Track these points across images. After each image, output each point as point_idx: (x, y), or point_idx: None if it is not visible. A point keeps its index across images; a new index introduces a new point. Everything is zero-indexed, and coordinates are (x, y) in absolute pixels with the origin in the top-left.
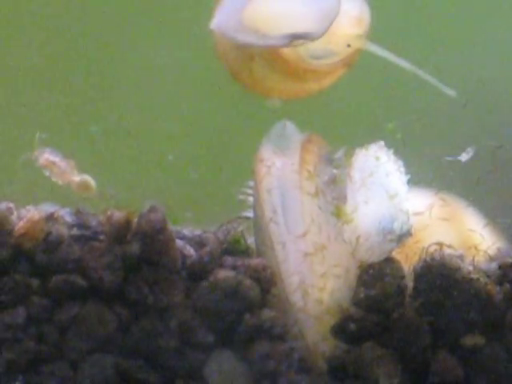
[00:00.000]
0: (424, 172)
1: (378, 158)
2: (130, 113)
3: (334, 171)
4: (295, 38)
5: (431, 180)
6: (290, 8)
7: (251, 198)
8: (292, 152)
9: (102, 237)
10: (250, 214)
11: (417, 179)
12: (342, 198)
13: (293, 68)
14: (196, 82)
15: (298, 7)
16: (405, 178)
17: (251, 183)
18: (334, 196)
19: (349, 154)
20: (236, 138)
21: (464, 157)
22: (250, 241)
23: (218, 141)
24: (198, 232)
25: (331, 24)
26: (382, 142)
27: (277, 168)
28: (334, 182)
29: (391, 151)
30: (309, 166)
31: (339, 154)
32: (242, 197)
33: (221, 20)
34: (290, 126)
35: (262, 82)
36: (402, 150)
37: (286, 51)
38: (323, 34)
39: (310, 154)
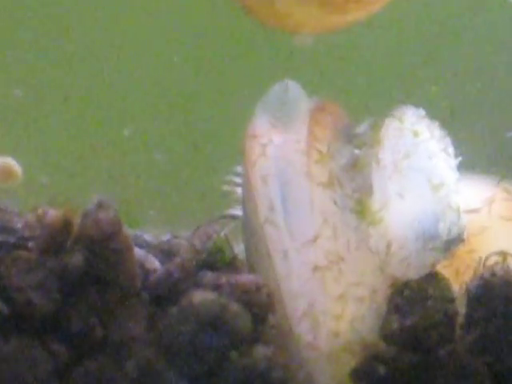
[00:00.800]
0: (480, 153)
1: (416, 134)
2: (69, 73)
3: (356, 152)
4: None
5: (490, 164)
6: None
7: (240, 190)
8: (297, 125)
9: (30, 244)
10: (237, 211)
11: (471, 163)
12: (366, 190)
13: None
14: (158, 40)
15: None
16: (454, 162)
17: (239, 169)
18: (355, 187)
19: (376, 128)
20: (217, 106)
21: None
22: (239, 249)
23: (191, 111)
24: (165, 237)
25: None
26: (421, 111)
27: (275, 147)
28: (355, 166)
29: (435, 124)
30: (320, 144)
31: (363, 127)
32: (226, 188)
33: None
34: (293, 88)
35: (286, 15)
36: (450, 122)
37: None
38: None
39: (322, 127)
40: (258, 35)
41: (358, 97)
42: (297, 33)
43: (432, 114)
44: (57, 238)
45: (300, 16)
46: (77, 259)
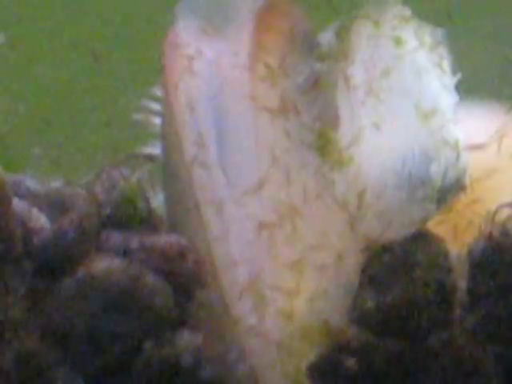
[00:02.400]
0: (487, 69)
1: (399, 42)
2: None
3: (318, 67)
4: None
5: (500, 83)
6: None
7: (157, 120)
8: (236, 30)
9: None
10: (155, 149)
11: (474, 82)
12: (330, 118)
13: None
14: None
15: None
16: (452, 80)
17: (157, 91)
18: (315, 114)
19: (344, 35)
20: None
21: None
22: (156, 200)
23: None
24: (55, 184)
25: None
26: (406, 10)
27: (206, 61)
28: (316, 86)
29: (426, 28)
30: (269, 55)
31: (327, 34)
32: (138, 117)
33: None
34: None
35: None
36: (446, 25)
37: None
38: None
39: (271, 32)
40: None
41: None
42: None
43: (420, 16)
44: None
45: None
46: None
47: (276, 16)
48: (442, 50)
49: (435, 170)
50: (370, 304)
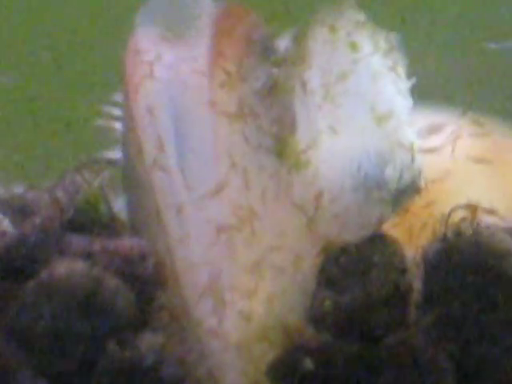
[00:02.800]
0: (442, 71)
1: (354, 47)
2: None
3: (275, 72)
4: None
5: (453, 86)
6: None
7: (118, 125)
8: (195, 36)
9: None
10: (116, 153)
11: (428, 85)
12: (288, 122)
13: None
14: None
15: None
16: (406, 84)
17: (118, 96)
18: (273, 118)
19: (301, 41)
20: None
21: None
22: (118, 204)
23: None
24: (18, 188)
25: None
26: (361, 15)
27: (166, 66)
28: (273, 91)
29: (381, 33)
30: (227, 61)
31: (284, 39)
32: (100, 122)
33: None
34: None
35: None
36: (400, 29)
37: None
38: None
39: (229, 38)
40: None
41: None
42: None
43: (376, 19)
44: None
45: None
46: None
47: (234, 22)
48: (397, 55)
49: (390, 172)
50: (327, 305)
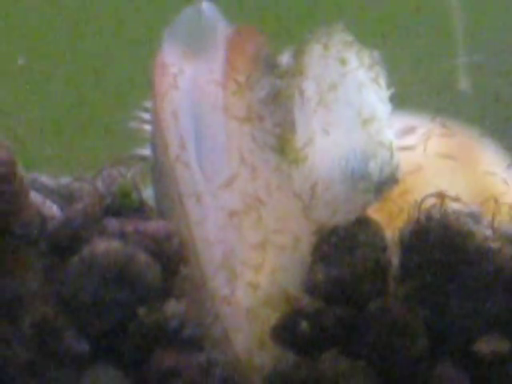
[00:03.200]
0: (416, 83)
1: (344, 62)
2: None
3: (278, 82)
4: None
5: (426, 95)
6: None
7: (148, 127)
8: (212, 53)
9: None
10: (146, 151)
11: (404, 94)
12: (288, 125)
13: None
14: None
15: None
16: (386, 93)
17: (148, 103)
18: (276, 121)
19: (299, 56)
20: (122, 27)
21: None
22: (147, 193)
23: (89, 32)
24: (65, 180)
25: None
26: (349, 36)
27: (187, 78)
28: (276, 98)
29: (365, 51)
30: (238, 74)
31: (285, 55)
32: (132, 124)
33: None
34: (208, 11)
35: None
36: (381, 45)
37: None
38: None
39: (239, 55)
40: None
41: (280, 21)
42: None
43: (359, 36)
44: None
45: None
46: None
47: (244, 41)
48: (379, 69)
49: (373, 166)
50: (320, 277)
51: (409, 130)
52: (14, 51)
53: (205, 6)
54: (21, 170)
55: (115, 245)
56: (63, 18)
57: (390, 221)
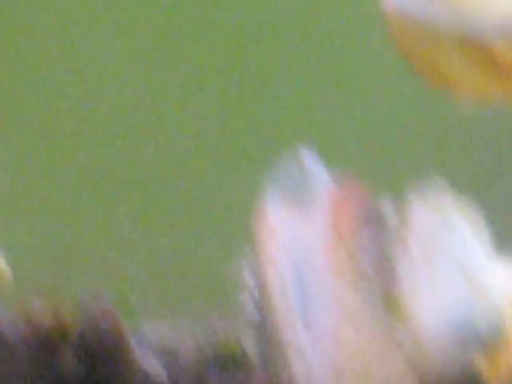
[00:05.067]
0: None
1: (446, 215)
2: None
3: (382, 237)
4: None
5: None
6: None
7: (250, 277)
8: (315, 207)
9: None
10: (248, 300)
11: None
12: (394, 281)
13: (506, 68)
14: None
15: None
16: (489, 243)
17: (250, 253)
18: (381, 278)
19: (402, 210)
20: (222, 178)
21: None
22: (249, 344)
23: (191, 182)
24: (166, 332)
25: None
26: (444, 185)
27: (290, 231)
28: (380, 255)
29: (465, 202)
30: (342, 228)
31: (387, 207)
32: (234, 273)
33: None
34: (310, 159)
35: (452, 78)
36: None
37: (501, 47)
38: None
39: (343, 209)
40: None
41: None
42: (458, 95)
43: (451, 180)
44: (48, 343)
45: (465, 79)
46: (70, 363)
47: (347, 195)
48: (480, 219)
49: (479, 320)
50: None
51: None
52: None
53: (306, 155)
54: (122, 322)
55: None
56: None
57: (495, 372)
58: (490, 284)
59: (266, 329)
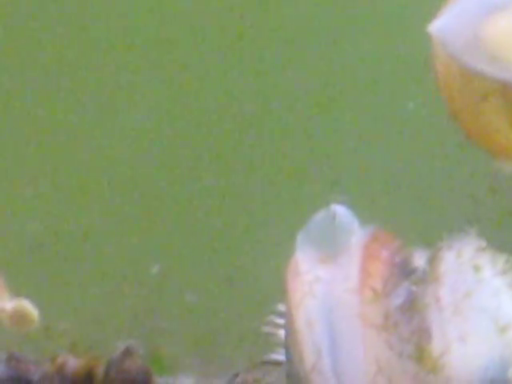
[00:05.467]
0: None
1: (478, 269)
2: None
3: (413, 289)
4: None
5: None
6: None
7: (282, 332)
8: (347, 259)
9: None
10: (280, 356)
11: None
12: (425, 333)
13: None
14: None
15: None
16: None
17: (282, 308)
18: (413, 329)
19: (434, 263)
20: (254, 235)
21: None
22: None
23: (223, 240)
24: None
25: None
26: (482, 242)
27: (323, 285)
28: (412, 306)
29: (499, 256)
30: (374, 280)
31: (420, 261)
32: (267, 330)
33: (447, 25)
34: (342, 215)
35: (492, 132)
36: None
37: None
38: None
39: (375, 261)
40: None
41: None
42: (498, 155)
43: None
44: None
45: (506, 137)
46: None
47: (379, 247)
48: (511, 273)
49: (510, 372)
50: None
51: None
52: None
53: (338, 208)
54: (155, 378)
55: None
56: None
57: None
58: None
59: (296, 379)
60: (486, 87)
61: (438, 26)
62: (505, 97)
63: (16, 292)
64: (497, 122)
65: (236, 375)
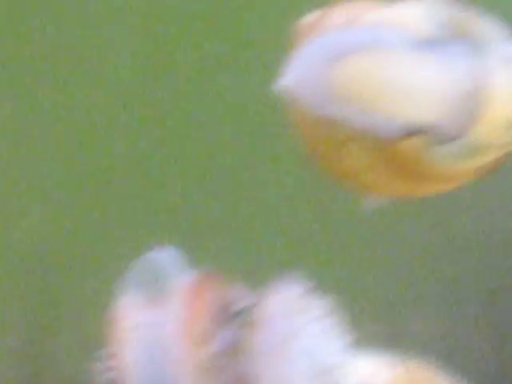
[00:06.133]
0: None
1: (300, 311)
2: None
3: (238, 332)
4: (418, 132)
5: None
6: (416, 80)
7: (109, 374)
8: (171, 302)
9: None
10: None
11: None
12: (250, 377)
13: (408, 169)
14: None
15: (428, 80)
16: (346, 340)
17: (106, 352)
18: (238, 373)
19: (259, 303)
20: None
21: None
22: None
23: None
24: None
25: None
26: (308, 284)
27: (146, 330)
28: (237, 350)
29: (322, 299)
30: (198, 324)
31: (246, 301)
32: (95, 370)
33: (295, 80)
34: (166, 257)
35: (354, 175)
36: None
37: (402, 146)
38: (468, 129)
39: (200, 303)
40: None
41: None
42: (368, 194)
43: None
44: None
45: (367, 178)
46: None
47: (205, 289)
48: (335, 318)
49: None
50: None
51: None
52: None
53: (162, 251)
54: None
55: None
56: None
57: None
58: (344, 381)
59: None
60: (344, 135)
61: (285, 82)
62: (362, 141)
63: None
64: (357, 165)
65: None
